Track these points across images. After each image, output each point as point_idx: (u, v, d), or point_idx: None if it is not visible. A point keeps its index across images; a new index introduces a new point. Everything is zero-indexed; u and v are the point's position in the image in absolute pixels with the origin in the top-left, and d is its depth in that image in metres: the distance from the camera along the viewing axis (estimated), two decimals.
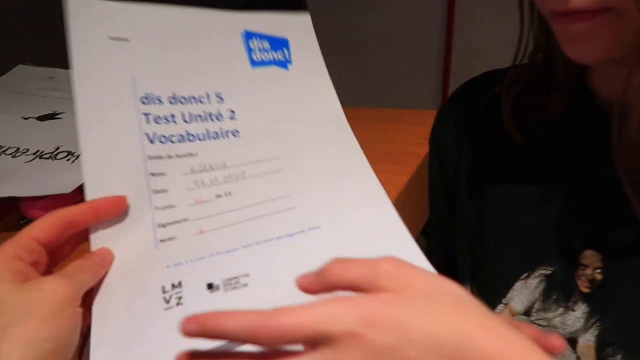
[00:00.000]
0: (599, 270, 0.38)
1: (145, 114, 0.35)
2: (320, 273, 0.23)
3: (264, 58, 0.41)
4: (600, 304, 0.38)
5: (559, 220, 0.41)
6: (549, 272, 0.41)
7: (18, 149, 0.57)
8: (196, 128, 0.37)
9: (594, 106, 0.41)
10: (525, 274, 0.42)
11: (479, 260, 0.47)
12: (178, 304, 0.31)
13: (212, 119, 0.37)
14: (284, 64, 0.42)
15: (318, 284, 0.24)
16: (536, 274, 0.41)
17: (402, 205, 0.46)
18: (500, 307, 0.43)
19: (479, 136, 0.48)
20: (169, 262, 0.33)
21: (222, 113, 0.38)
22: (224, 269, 0.32)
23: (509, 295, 0.42)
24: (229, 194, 0.36)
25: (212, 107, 0.38)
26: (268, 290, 0.32)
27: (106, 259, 0.31)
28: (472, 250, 0.48)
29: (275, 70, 0.41)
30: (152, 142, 0.35)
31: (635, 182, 0.34)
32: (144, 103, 0.36)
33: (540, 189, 0.43)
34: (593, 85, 0.41)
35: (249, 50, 0.41)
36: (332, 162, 0.39)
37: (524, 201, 0.43)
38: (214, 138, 0.37)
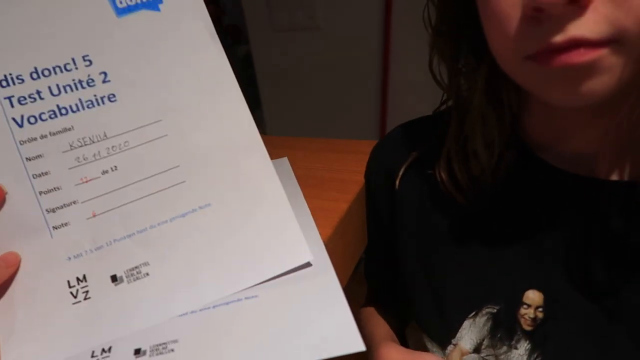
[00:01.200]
0: (540, 309, 0.39)
1: (8, 98, 0.33)
2: None
3: (129, 2, 0.35)
4: (541, 340, 0.39)
5: (503, 260, 0.42)
6: (494, 310, 0.41)
7: None
8: (67, 100, 0.34)
9: (527, 152, 0.41)
10: (473, 313, 0.42)
11: (424, 300, 0.46)
12: (86, 298, 0.33)
13: (83, 87, 0.34)
14: (153, 4, 0.36)
15: None
16: (483, 312, 0.42)
17: (343, 231, 0.47)
18: (450, 347, 0.43)
19: (414, 181, 0.48)
20: (68, 253, 0.33)
21: (93, 78, 0.34)
22: (124, 258, 0.34)
23: (458, 334, 0.43)
24: (115, 168, 0.34)
25: (81, 73, 0.34)
26: (167, 277, 0.33)
27: (10, 262, 0.32)
28: (414, 289, 0.48)
29: (144, 14, 0.36)
30: (20, 125, 0.33)
31: None
32: (3, 86, 0.33)
33: (483, 230, 0.43)
34: (526, 130, 0.42)
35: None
36: (214, 117, 0.36)
37: (469, 242, 0.43)
38: (89, 107, 0.34)
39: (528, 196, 0.41)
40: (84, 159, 0.34)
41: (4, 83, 0.33)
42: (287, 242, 0.35)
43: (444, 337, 0.44)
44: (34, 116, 0.33)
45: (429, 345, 0.46)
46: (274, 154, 0.60)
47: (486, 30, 0.33)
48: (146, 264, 0.34)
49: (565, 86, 0.30)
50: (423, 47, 0.43)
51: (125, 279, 0.33)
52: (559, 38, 0.28)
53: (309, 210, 0.45)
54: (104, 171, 0.34)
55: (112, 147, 0.34)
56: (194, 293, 0.33)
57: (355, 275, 0.56)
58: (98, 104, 0.34)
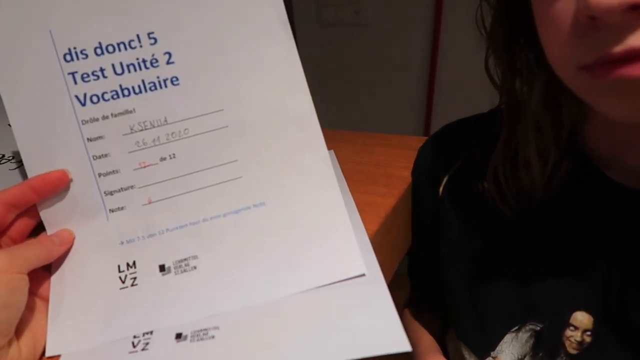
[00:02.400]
0: (588, 333, 0.37)
1: (71, 74, 0.32)
2: None
3: None
4: None
5: (550, 276, 0.39)
6: (537, 328, 0.39)
7: (3, 156, 0.56)
8: (130, 80, 0.33)
9: (585, 164, 0.39)
10: (516, 327, 0.40)
11: (464, 309, 0.45)
12: (133, 284, 0.32)
13: (146, 67, 0.33)
14: None
15: None
16: (527, 328, 0.40)
17: (390, 226, 0.46)
18: (488, 359, 0.42)
19: (460, 188, 0.46)
20: (122, 238, 0.33)
21: (157, 58, 0.33)
22: (174, 248, 0.33)
23: (498, 347, 0.41)
24: (173, 156, 0.33)
25: (146, 51, 0.33)
26: (214, 273, 0.32)
27: (64, 239, 0.33)
28: (454, 298, 0.46)
29: None
30: (83, 104, 0.32)
31: None
32: (67, 61, 0.32)
33: (530, 243, 0.41)
34: (585, 140, 0.39)
35: None
36: (279, 112, 0.34)
37: (514, 255, 0.41)
38: (151, 89, 0.33)
39: (582, 211, 0.38)
40: (144, 144, 0.33)
41: (67, 57, 0.32)
42: (341, 252, 0.33)
43: (483, 349, 0.42)
44: (97, 95, 0.32)
45: (467, 354, 0.44)
46: None
47: (540, 35, 0.31)
48: (195, 257, 0.33)
49: (622, 101, 0.27)
50: (473, 47, 0.41)
51: (172, 269, 0.33)
52: (616, 48, 0.25)
53: (355, 206, 0.44)
54: (162, 158, 0.33)
55: (172, 133, 0.33)
56: (238, 293, 0.32)
57: (399, 274, 0.54)
58: (160, 87, 0.33)
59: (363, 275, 0.32)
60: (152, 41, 0.33)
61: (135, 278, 0.33)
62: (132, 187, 0.33)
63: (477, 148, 0.44)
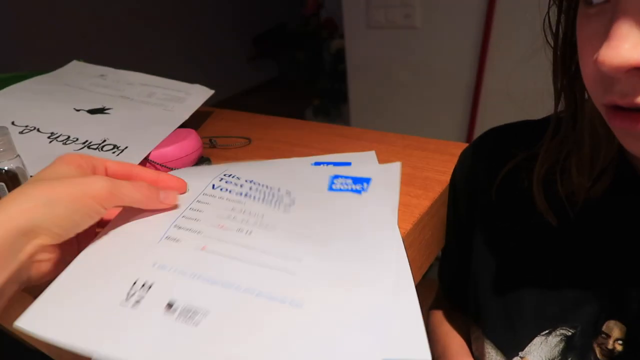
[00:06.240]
0: (620, 342, 0.37)
1: (220, 178, 0.46)
2: None
3: (342, 187, 0.47)
4: None
5: (586, 283, 0.40)
6: (569, 333, 0.40)
7: (69, 137, 0.60)
8: (255, 193, 0.44)
9: (630, 174, 0.39)
10: (547, 331, 0.41)
11: (494, 309, 0.46)
12: (133, 306, 0.31)
13: (271, 197, 0.44)
14: (358, 192, 0.46)
15: None
16: (557, 332, 0.40)
17: (423, 227, 0.48)
18: (516, 359, 0.43)
19: (504, 193, 0.47)
20: (156, 262, 0.34)
21: (283, 199, 0.44)
22: (192, 295, 0.31)
23: (526, 349, 0.42)
24: (249, 232, 0.38)
25: (278, 195, 0.45)
26: (213, 338, 0.29)
27: (168, 199, 0.39)
28: (486, 297, 0.47)
29: (348, 195, 0.46)
30: (213, 187, 0.44)
31: None
32: (221, 179, 0.45)
33: (569, 248, 0.41)
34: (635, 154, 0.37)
35: (331, 182, 0.48)
36: (361, 270, 0.35)
37: (552, 259, 0.42)
38: (264, 201, 0.43)
39: (623, 221, 0.39)
40: (234, 218, 0.40)
41: (223, 177, 0.47)
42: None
43: (511, 349, 0.43)
44: (226, 189, 0.44)
45: (492, 352, 0.45)
46: (359, 146, 0.62)
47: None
48: (206, 313, 0.30)
49: (632, 143, 0.30)
50: (522, 57, 0.42)
51: (178, 312, 0.30)
52: (622, 101, 0.27)
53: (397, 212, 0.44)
54: (239, 229, 0.38)
55: (261, 223, 0.40)
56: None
57: (427, 277, 0.56)
58: (274, 205, 0.43)
59: None
60: (287, 193, 0.46)
61: (139, 301, 0.31)
62: (199, 232, 0.37)
63: (526, 152, 0.45)
